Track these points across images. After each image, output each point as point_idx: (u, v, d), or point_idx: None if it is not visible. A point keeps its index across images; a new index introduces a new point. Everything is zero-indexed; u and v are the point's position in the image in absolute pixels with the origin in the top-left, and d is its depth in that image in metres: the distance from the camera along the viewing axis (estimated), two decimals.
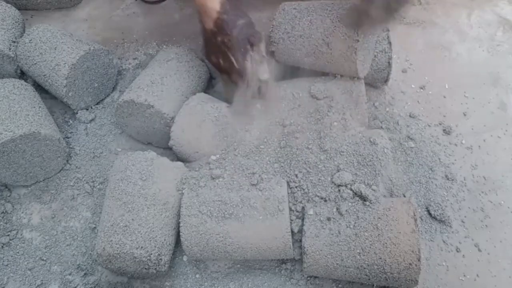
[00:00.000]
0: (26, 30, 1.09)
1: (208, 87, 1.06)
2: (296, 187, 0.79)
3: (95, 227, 0.89)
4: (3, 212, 0.91)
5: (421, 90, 1.04)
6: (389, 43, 0.93)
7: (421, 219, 0.86)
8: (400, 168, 0.91)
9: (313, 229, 0.74)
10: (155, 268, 0.76)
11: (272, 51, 0.90)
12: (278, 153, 0.84)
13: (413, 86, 1.05)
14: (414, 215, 0.71)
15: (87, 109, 1.03)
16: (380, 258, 0.70)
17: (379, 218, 0.72)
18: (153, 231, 0.75)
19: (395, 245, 0.69)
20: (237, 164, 0.81)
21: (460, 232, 0.85)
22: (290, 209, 0.77)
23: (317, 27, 0.84)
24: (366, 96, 0.92)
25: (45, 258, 0.86)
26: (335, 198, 0.77)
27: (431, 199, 0.88)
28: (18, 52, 1.01)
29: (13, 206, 0.92)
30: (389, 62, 0.95)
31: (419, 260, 0.68)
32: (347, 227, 0.72)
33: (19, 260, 0.86)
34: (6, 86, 0.92)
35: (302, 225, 0.76)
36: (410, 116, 0.99)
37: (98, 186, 0.94)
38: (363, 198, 0.75)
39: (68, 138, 1.00)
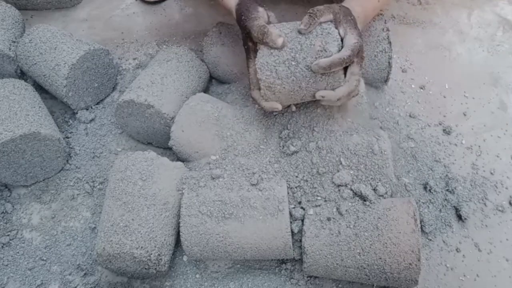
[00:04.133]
0: (26, 30, 1.09)
1: (208, 87, 1.06)
2: (296, 187, 0.79)
3: (95, 227, 0.89)
4: (3, 212, 0.91)
5: (421, 90, 1.04)
6: (389, 43, 0.93)
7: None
8: (400, 168, 0.91)
9: (313, 229, 0.74)
10: (155, 268, 0.76)
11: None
12: (278, 153, 0.84)
13: (413, 86, 1.05)
14: (414, 215, 0.71)
15: (87, 109, 1.03)
16: (380, 258, 0.70)
17: (379, 218, 0.72)
18: (153, 231, 0.75)
19: (395, 245, 0.69)
20: (237, 164, 0.81)
21: (460, 232, 0.85)
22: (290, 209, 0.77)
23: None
24: (366, 96, 0.92)
25: (45, 258, 0.86)
26: (335, 198, 0.77)
27: None
28: (18, 52, 1.01)
29: (13, 206, 0.92)
30: (389, 62, 0.95)
31: (419, 260, 0.68)
32: (347, 227, 0.73)
33: (19, 260, 0.86)
34: (6, 86, 0.92)
35: (302, 225, 0.76)
36: (410, 116, 0.99)
37: (98, 186, 0.94)
38: (363, 198, 0.75)
39: (68, 138, 1.00)
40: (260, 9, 0.81)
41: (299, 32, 0.75)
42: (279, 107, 0.79)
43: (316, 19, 0.74)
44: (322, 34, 0.75)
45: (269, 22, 0.81)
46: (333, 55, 0.73)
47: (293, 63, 0.74)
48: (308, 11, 0.75)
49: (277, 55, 0.75)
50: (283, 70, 0.75)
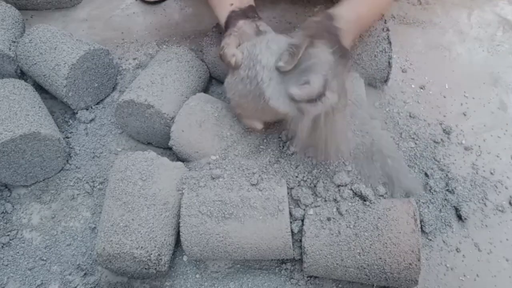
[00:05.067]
0: (26, 30, 1.09)
1: (208, 87, 1.06)
2: (296, 187, 0.79)
3: (95, 227, 0.89)
4: (3, 212, 0.91)
5: (421, 90, 1.05)
6: (389, 43, 0.93)
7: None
8: None
9: (313, 229, 0.74)
10: (155, 268, 0.76)
11: None
12: (278, 153, 0.84)
13: (413, 86, 1.05)
14: (414, 215, 0.71)
15: (87, 109, 1.03)
16: (380, 258, 0.70)
17: (379, 218, 0.72)
18: (153, 231, 0.75)
19: (395, 245, 0.69)
20: (237, 164, 0.81)
21: (460, 232, 0.85)
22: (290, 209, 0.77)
23: None
24: (366, 96, 0.92)
25: (45, 258, 0.86)
26: (335, 198, 0.77)
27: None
28: (18, 52, 1.01)
29: (13, 206, 0.92)
30: (389, 62, 0.95)
31: (419, 260, 0.68)
32: (347, 227, 0.73)
33: (19, 260, 0.86)
34: (6, 86, 0.92)
35: (302, 225, 0.76)
36: (410, 116, 0.99)
37: (98, 186, 0.94)
38: (363, 198, 0.75)
39: (68, 138, 1.00)
40: (240, 23, 0.78)
41: (277, 69, 0.71)
42: (257, 126, 0.78)
43: (295, 57, 0.70)
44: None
45: (258, 31, 0.80)
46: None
47: (247, 80, 0.73)
48: (288, 47, 0.70)
49: (237, 74, 0.75)
50: (242, 88, 0.74)
